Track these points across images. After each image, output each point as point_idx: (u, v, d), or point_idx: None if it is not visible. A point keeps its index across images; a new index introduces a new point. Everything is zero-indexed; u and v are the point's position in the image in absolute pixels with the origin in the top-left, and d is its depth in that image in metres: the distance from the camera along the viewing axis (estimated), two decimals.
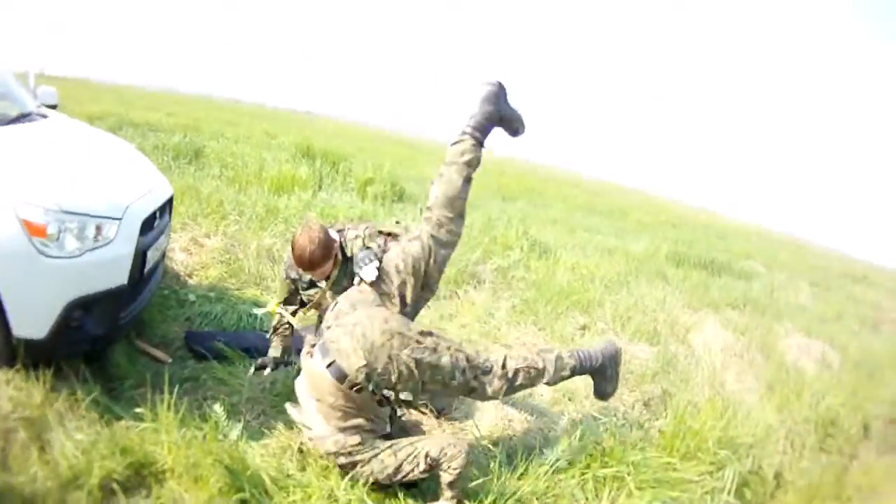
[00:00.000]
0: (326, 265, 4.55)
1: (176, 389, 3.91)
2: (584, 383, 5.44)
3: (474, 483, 3.85)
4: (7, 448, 3.46)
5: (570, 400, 5.48)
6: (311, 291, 4.93)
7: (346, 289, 4.54)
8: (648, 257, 12.38)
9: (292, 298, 5.05)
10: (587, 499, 3.92)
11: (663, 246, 13.67)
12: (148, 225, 4.63)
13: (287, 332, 5.08)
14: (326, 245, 4.45)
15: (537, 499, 3.82)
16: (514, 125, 4.36)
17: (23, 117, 5.26)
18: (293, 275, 4.89)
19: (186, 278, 6.89)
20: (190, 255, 7.47)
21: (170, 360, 5.06)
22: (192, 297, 6.21)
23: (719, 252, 15.21)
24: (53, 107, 6.28)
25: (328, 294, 4.75)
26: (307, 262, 4.42)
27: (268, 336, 5.14)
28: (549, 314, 7.37)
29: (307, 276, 4.80)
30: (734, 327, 8.19)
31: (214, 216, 8.58)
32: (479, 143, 4.22)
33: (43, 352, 3.96)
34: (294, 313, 5.05)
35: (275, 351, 5.04)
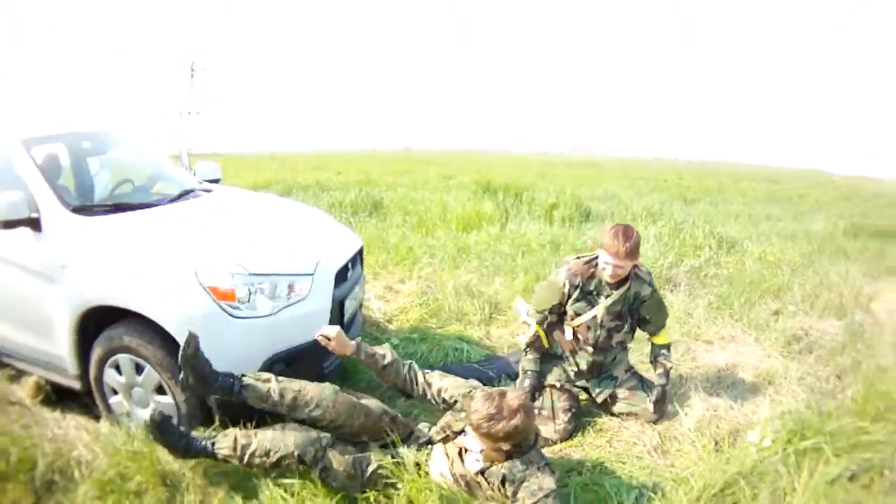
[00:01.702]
0: (634, 261, 4.88)
1: None
2: (783, 367, 5.86)
3: (684, 472, 4.21)
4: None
5: (770, 384, 5.60)
6: (579, 305, 5.04)
7: (618, 315, 5.04)
8: (827, 235, 12.26)
9: (553, 309, 5.11)
10: (789, 473, 3.95)
11: (839, 222, 13.52)
12: (341, 277, 4.98)
13: (540, 345, 5.22)
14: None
15: (743, 478, 3.93)
16: None
17: (186, 194, 5.69)
18: (576, 282, 4.98)
19: (387, 324, 7.24)
20: (387, 302, 7.86)
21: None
22: (394, 340, 6.47)
23: (891, 219, 14.90)
24: (216, 181, 6.66)
25: (602, 312, 5.02)
26: (633, 248, 4.67)
27: (523, 349, 5.28)
28: (743, 305, 7.48)
29: (591, 285, 4.99)
30: None
31: (406, 262, 9.03)
32: None
33: (244, 407, 4.10)
34: (542, 323, 5.19)
35: (533, 364, 5.19)
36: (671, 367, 5.26)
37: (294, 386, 3.92)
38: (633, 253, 4.70)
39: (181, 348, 3.78)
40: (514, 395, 3.59)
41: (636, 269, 5.04)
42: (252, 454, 3.77)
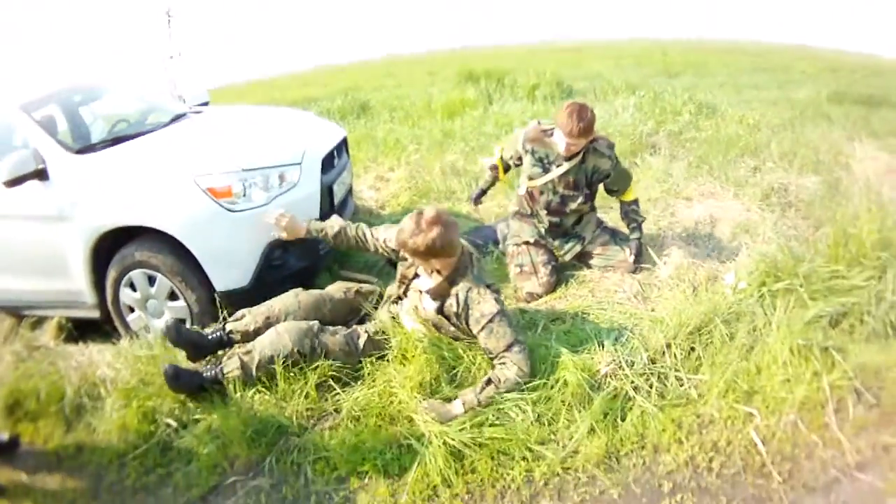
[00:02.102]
0: (588, 139, 5.12)
1: None
2: (761, 218, 6.08)
3: (661, 314, 4.46)
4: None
5: (747, 233, 5.82)
6: (534, 170, 5.35)
7: (573, 184, 5.33)
8: (811, 102, 12.16)
9: (511, 161, 5.64)
10: (765, 313, 4.15)
11: (823, 90, 13.34)
12: (328, 164, 5.35)
13: (494, 177, 5.92)
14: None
15: (721, 319, 4.16)
16: None
17: (178, 118, 6.13)
18: (527, 147, 5.32)
19: (379, 210, 7.59)
20: (378, 190, 8.20)
21: (374, 280, 5.50)
22: (387, 223, 6.70)
23: (875, 88, 14.61)
24: (205, 104, 7.11)
25: (557, 180, 5.31)
26: (586, 127, 4.91)
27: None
28: (722, 163, 7.65)
29: (544, 153, 5.28)
30: (892, 149, 8.12)
31: (394, 152, 9.30)
32: None
33: (251, 295, 4.71)
34: (506, 171, 5.85)
35: (485, 184, 6.04)
36: (643, 220, 5.55)
37: (262, 309, 4.36)
38: (586, 131, 4.93)
39: (168, 337, 4.29)
40: (431, 208, 3.93)
41: (594, 144, 5.25)
42: (258, 366, 4.05)
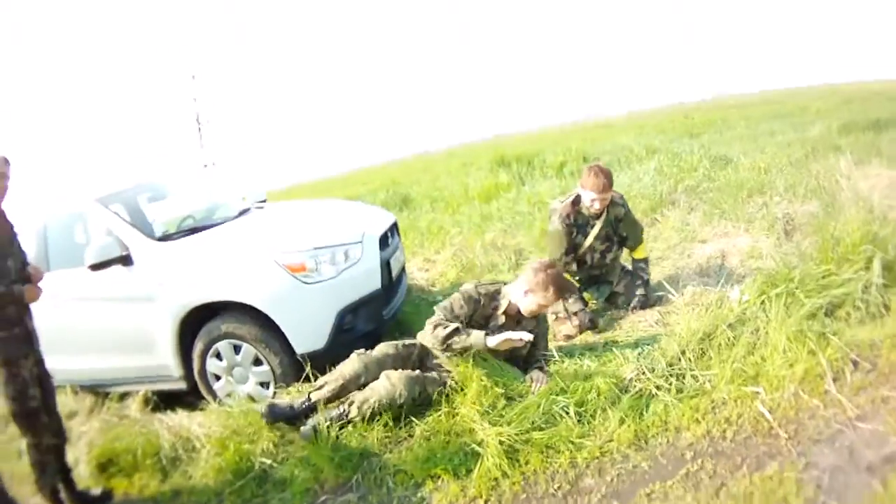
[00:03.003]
0: (611, 192, 5.93)
1: None
2: (768, 245, 6.75)
3: (679, 328, 5.12)
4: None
5: (752, 258, 6.62)
6: (577, 238, 6.11)
7: (606, 237, 6.11)
8: (822, 137, 12.62)
9: (567, 251, 6.08)
10: (766, 315, 4.74)
11: (835, 123, 13.72)
12: (383, 243, 6.05)
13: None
14: None
15: (727, 325, 4.79)
16: None
17: (244, 212, 6.88)
18: (569, 221, 5.99)
19: (430, 287, 8.29)
20: (427, 271, 8.95)
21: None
22: (439, 297, 7.28)
23: (886, 112, 14.84)
24: (264, 201, 7.84)
25: (591, 240, 6.12)
26: (610, 181, 5.80)
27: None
28: (733, 205, 8.27)
29: (580, 219, 6.04)
30: None
31: (438, 237, 10.02)
32: None
33: (326, 356, 5.31)
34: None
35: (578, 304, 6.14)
36: (648, 277, 6.26)
37: (335, 376, 4.83)
38: (609, 184, 5.80)
39: (266, 420, 4.76)
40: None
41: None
42: (374, 410, 4.61)
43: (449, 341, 4.66)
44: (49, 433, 4.53)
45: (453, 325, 4.70)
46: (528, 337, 4.66)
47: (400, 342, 5.04)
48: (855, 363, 4.23)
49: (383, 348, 4.96)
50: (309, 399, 4.80)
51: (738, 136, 15.96)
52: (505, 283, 5.13)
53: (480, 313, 4.98)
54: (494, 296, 5.02)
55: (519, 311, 4.98)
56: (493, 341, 4.63)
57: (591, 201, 5.85)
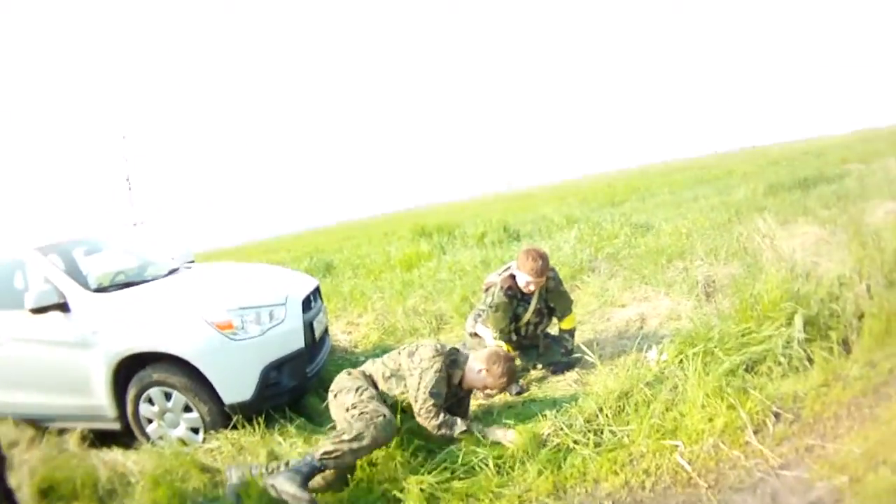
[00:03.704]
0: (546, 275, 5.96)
1: None
2: (688, 308, 6.77)
3: (597, 387, 5.10)
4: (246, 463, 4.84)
5: (671, 320, 6.71)
6: (521, 310, 6.14)
7: (538, 311, 6.15)
8: (746, 199, 12.89)
9: (508, 323, 6.14)
10: (686, 375, 4.74)
11: (761, 185, 14.09)
12: (306, 305, 6.18)
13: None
14: None
15: (644, 384, 4.78)
16: None
17: (174, 271, 7.02)
18: (511, 293, 6.00)
19: (353, 349, 8.30)
20: (350, 333, 8.97)
21: None
22: (361, 357, 7.46)
23: (813, 170, 15.32)
24: (192, 262, 8.05)
25: (528, 316, 6.15)
26: (545, 266, 5.80)
27: None
28: (653, 270, 8.35)
29: (517, 295, 6.02)
30: (823, 221, 8.71)
31: (360, 301, 10.06)
32: None
33: (253, 407, 5.51)
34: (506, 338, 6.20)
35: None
36: (572, 348, 6.27)
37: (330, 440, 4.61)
38: (545, 269, 5.84)
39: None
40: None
41: None
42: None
43: (440, 432, 4.76)
44: None
45: (443, 417, 4.81)
46: (514, 438, 4.63)
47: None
48: (777, 415, 4.26)
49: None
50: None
51: (662, 202, 16.32)
52: (457, 350, 5.23)
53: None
54: (453, 364, 5.09)
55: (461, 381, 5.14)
56: (491, 434, 4.75)
57: (527, 283, 5.90)
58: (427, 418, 4.76)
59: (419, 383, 4.83)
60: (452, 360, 5.08)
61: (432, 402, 4.79)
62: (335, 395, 4.95)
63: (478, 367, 4.99)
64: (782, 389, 4.48)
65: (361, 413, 4.56)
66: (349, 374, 5.13)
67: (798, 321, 4.91)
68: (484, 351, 5.21)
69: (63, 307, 5.75)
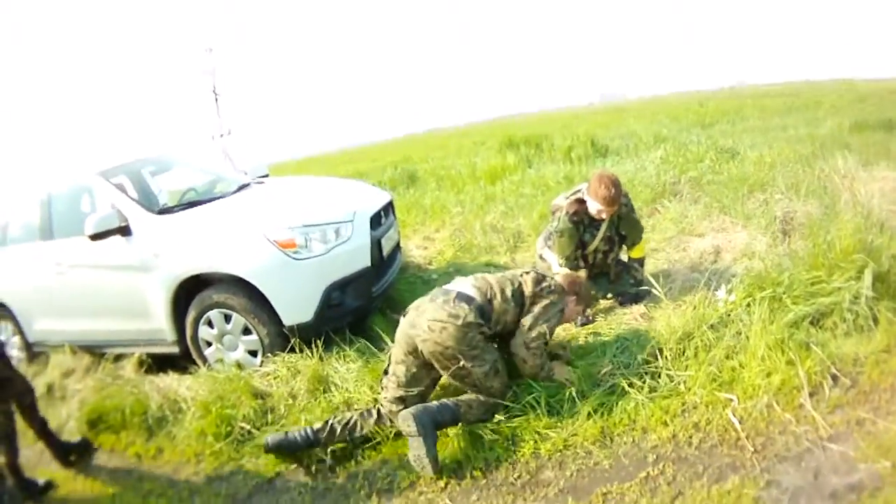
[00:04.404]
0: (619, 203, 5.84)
1: None
2: (764, 244, 6.68)
3: (660, 324, 5.09)
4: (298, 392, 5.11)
5: (749, 258, 6.48)
6: (587, 236, 6.06)
7: (609, 239, 6.09)
8: (832, 134, 12.55)
9: (575, 250, 6.04)
10: (751, 321, 4.62)
11: (847, 121, 13.66)
12: (376, 222, 6.17)
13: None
14: None
15: (708, 326, 4.73)
16: None
17: (243, 187, 7.07)
18: (577, 219, 5.92)
19: (427, 265, 8.33)
20: (425, 249, 9.02)
21: None
22: (434, 276, 7.56)
23: None
24: (265, 176, 8.06)
25: (597, 243, 6.09)
26: (618, 195, 5.67)
27: None
28: (733, 200, 8.19)
29: (586, 219, 5.94)
30: None
31: (439, 216, 10.15)
32: None
33: (313, 329, 5.60)
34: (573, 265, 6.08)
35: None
36: (642, 279, 6.18)
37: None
38: (618, 198, 5.71)
39: (268, 449, 4.67)
40: None
41: None
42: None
43: (542, 372, 4.67)
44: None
45: (545, 358, 4.73)
46: (572, 377, 4.65)
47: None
48: (835, 378, 4.13)
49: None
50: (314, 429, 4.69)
51: (750, 127, 15.99)
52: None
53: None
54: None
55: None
56: (556, 373, 4.72)
57: (598, 212, 5.81)
58: (536, 355, 4.57)
59: (541, 315, 4.61)
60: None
61: (545, 340, 4.65)
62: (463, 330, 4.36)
63: (570, 297, 4.90)
64: (844, 349, 4.33)
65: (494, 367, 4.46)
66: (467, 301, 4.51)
67: (868, 276, 4.68)
68: (560, 279, 5.08)
69: (125, 231, 5.90)
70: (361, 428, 4.63)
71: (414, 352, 4.49)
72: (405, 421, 4.20)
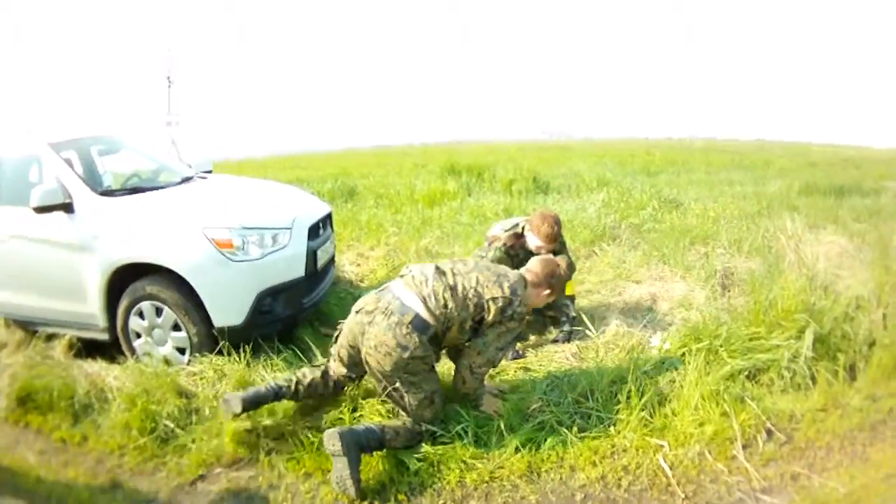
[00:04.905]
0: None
1: None
2: (702, 297, 6.62)
3: (592, 366, 5.04)
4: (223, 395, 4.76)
5: (682, 307, 6.43)
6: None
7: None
8: (780, 194, 12.70)
9: None
10: (685, 371, 4.63)
11: (796, 183, 13.87)
12: (314, 233, 6.05)
13: None
14: None
15: (645, 374, 4.67)
16: None
17: (187, 180, 6.90)
18: (512, 252, 5.97)
19: (359, 283, 8.15)
20: (358, 266, 8.80)
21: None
22: (364, 293, 7.29)
23: (850, 179, 15.12)
24: (209, 172, 7.86)
25: None
26: (559, 232, 5.86)
27: None
28: (674, 250, 8.15)
29: (524, 251, 5.94)
30: (852, 234, 8.46)
31: (375, 234, 9.90)
32: None
33: (242, 334, 5.44)
34: None
35: None
36: (574, 316, 6.14)
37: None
38: (559, 236, 5.89)
39: (228, 411, 4.54)
40: None
41: None
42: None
43: (474, 398, 4.63)
44: None
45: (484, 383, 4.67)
46: (501, 410, 4.58)
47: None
48: (769, 432, 4.18)
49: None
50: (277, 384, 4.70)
51: (696, 180, 16.13)
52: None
53: None
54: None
55: None
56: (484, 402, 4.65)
57: (538, 247, 5.86)
58: (477, 379, 4.47)
59: (493, 342, 4.37)
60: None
61: (491, 366, 4.58)
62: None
63: (541, 290, 4.59)
64: (780, 406, 4.38)
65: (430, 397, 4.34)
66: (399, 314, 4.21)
67: (809, 336, 4.76)
68: (536, 265, 4.70)
69: (68, 207, 5.69)
70: (320, 391, 4.70)
71: (357, 350, 4.37)
72: (330, 440, 4.06)
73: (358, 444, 4.08)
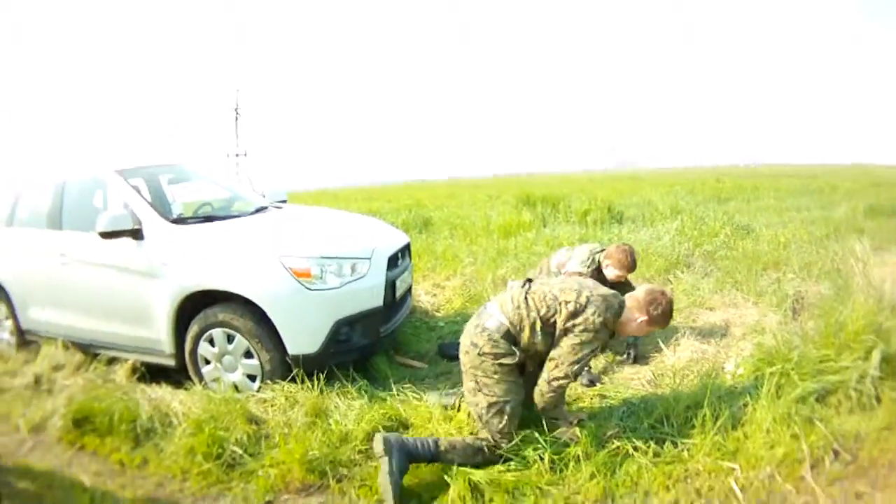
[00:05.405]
0: None
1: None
2: (775, 321, 6.73)
3: (667, 392, 5.18)
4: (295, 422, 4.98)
5: (759, 334, 6.46)
6: None
7: None
8: (846, 218, 12.69)
9: None
10: (758, 394, 4.66)
11: (861, 205, 13.86)
12: (393, 263, 6.14)
13: None
14: None
15: (723, 400, 4.73)
16: None
17: (261, 209, 7.04)
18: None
19: (434, 312, 8.32)
20: (434, 296, 9.00)
21: (425, 366, 6.49)
22: (440, 323, 7.62)
23: None
24: (283, 201, 7.98)
25: None
26: (635, 262, 6.21)
27: None
28: (746, 276, 8.29)
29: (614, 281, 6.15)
30: None
31: (451, 264, 10.11)
32: None
33: (317, 362, 5.52)
34: None
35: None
36: (639, 337, 6.27)
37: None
38: (635, 265, 6.27)
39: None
40: None
41: None
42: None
43: (553, 415, 4.64)
44: None
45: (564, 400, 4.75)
46: (577, 436, 4.54)
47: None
48: (836, 453, 4.19)
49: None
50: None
51: (765, 206, 16.12)
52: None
53: None
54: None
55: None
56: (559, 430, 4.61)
57: (617, 276, 6.18)
58: (555, 391, 4.43)
59: (568, 354, 4.33)
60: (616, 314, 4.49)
61: (570, 380, 4.46)
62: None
63: (638, 316, 4.51)
64: (846, 426, 4.42)
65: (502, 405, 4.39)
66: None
67: (876, 356, 4.76)
68: (640, 290, 4.65)
69: (136, 234, 5.85)
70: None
71: None
72: (376, 442, 4.26)
73: (404, 449, 4.24)
